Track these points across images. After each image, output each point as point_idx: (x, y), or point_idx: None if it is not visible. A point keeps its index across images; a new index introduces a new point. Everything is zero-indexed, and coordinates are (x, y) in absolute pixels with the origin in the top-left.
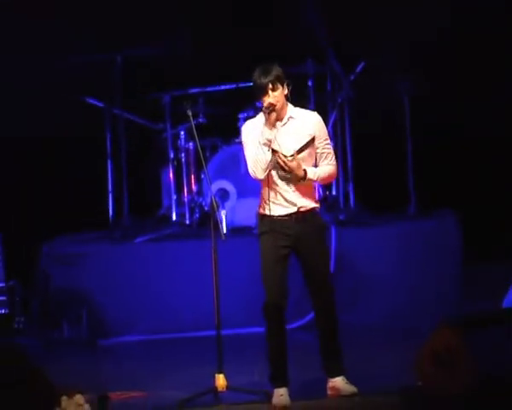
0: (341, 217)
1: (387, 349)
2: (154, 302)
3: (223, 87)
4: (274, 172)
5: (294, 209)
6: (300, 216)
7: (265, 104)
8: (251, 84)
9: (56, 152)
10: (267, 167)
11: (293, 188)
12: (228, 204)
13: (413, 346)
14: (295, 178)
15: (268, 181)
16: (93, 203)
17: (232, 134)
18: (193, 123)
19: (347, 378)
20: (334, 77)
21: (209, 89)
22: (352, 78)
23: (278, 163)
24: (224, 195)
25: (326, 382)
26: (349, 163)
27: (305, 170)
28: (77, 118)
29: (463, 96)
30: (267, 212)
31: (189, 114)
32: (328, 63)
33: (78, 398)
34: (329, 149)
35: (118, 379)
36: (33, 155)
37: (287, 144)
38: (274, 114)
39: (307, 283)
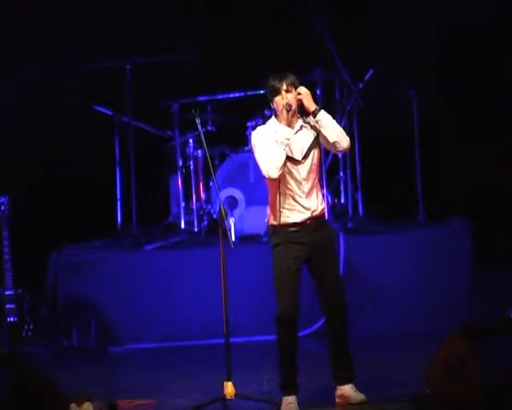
0: (350, 225)
1: (397, 357)
2: (163, 310)
3: (231, 95)
4: (287, 177)
5: (309, 214)
6: (314, 222)
7: (284, 102)
8: (260, 92)
9: (65, 159)
10: (282, 166)
11: (306, 192)
12: (236, 212)
13: (423, 353)
14: (311, 105)
15: (280, 188)
16: (102, 211)
17: (241, 142)
18: (201, 131)
19: (356, 386)
20: (343, 85)
21: (218, 97)
22: (361, 86)
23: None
24: (232, 203)
25: (334, 390)
26: (358, 171)
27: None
28: (86, 125)
29: (473, 104)
30: (283, 220)
31: (198, 121)
32: (337, 71)
33: (87, 406)
34: None
35: (127, 387)
36: (42, 163)
37: (298, 148)
38: (292, 113)
39: (319, 291)
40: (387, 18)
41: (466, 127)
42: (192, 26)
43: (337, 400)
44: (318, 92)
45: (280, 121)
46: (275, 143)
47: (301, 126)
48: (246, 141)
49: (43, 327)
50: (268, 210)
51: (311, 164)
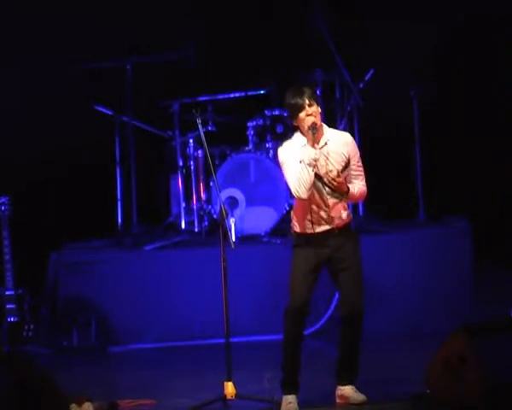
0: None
1: (397, 357)
2: (164, 310)
3: (232, 95)
4: (314, 191)
5: (333, 226)
6: (337, 232)
7: (310, 123)
8: (260, 92)
9: (65, 159)
10: (311, 187)
11: (330, 206)
12: (237, 212)
13: (423, 353)
14: (340, 194)
15: (304, 201)
16: (102, 211)
17: (241, 142)
18: (202, 131)
19: (357, 387)
20: (343, 85)
21: (218, 97)
22: (361, 86)
23: (326, 181)
24: (232, 203)
25: (335, 390)
26: None
27: (347, 186)
28: (86, 125)
29: (473, 103)
30: (306, 230)
31: (198, 121)
32: (337, 71)
33: (88, 406)
34: (361, 170)
35: (127, 387)
36: (42, 163)
37: (326, 166)
38: (319, 131)
39: (339, 291)
40: (387, 18)
41: (466, 127)
42: (192, 26)
43: (337, 400)
44: (319, 92)
45: (307, 140)
46: (303, 164)
47: (326, 143)
48: (246, 141)
49: (43, 327)
50: (292, 215)
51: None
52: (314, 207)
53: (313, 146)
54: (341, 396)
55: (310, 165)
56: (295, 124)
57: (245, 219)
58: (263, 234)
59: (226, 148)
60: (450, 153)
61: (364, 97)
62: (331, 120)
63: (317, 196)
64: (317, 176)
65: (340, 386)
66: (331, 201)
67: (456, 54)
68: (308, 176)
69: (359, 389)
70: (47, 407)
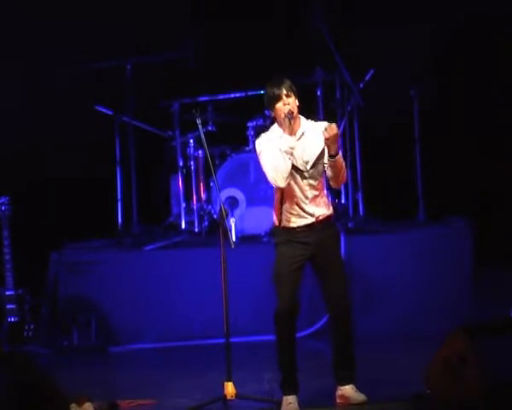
0: (350, 225)
1: (397, 357)
2: (164, 310)
3: (232, 95)
4: (292, 183)
5: (313, 220)
6: (318, 225)
7: (286, 111)
8: (260, 92)
9: (65, 159)
10: (288, 175)
11: (310, 198)
12: (237, 212)
13: (423, 353)
14: (335, 147)
15: (285, 193)
16: (102, 211)
17: (241, 142)
18: (202, 131)
19: (357, 387)
20: (344, 85)
21: (218, 97)
22: (362, 86)
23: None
24: (233, 203)
25: (335, 390)
26: (358, 171)
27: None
28: (86, 125)
29: (473, 103)
30: (285, 224)
31: (198, 121)
32: (338, 71)
33: (88, 406)
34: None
35: (127, 387)
36: (42, 163)
37: (303, 157)
38: (295, 121)
39: (324, 291)
40: (388, 18)
41: (466, 127)
42: (192, 26)
43: (338, 400)
44: (319, 92)
45: (283, 130)
46: (280, 153)
47: (303, 133)
48: (246, 141)
49: (43, 327)
50: (273, 210)
51: (316, 171)
52: (294, 199)
53: (290, 134)
54: (342, 396)
55: (286, 153)
56: (273, 115)
57: (245, 219)
58: (263, 234)
59: (226, 148)
60: (450, 153)
61: (364, 97)
62: (331, 120)
63: (295, 188)
64: (295, 168)
65: (340, 386)
66: (310, 193)
67: (456, 54)
68: (284, 164)
69: (359, 388)
70: (47, 407)
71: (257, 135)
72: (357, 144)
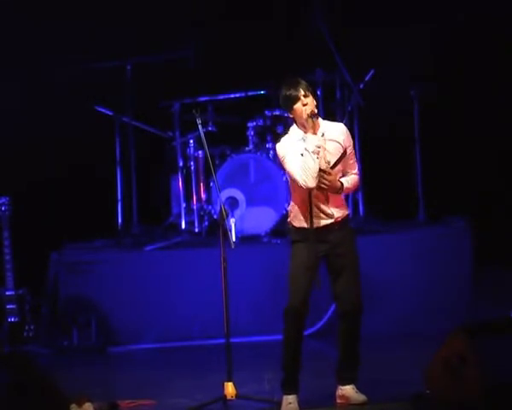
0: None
1: (397, 357)
2: (164, 310)
3: (232, 95)
4: None
5: (332, 221)
6: (336, 225)
7: (309, 111)
8: (260, 92)
9: (65, 159)
10: (317, 175)
11: (330, 199)
12: (237, 212)
13: (424, 352)
14: (333, 190)
15: (303, 193)
16: (102, 211)
17: (241, 142)
18: (202, 131)
19: (357, 387)
20: (344, 85)
21: (218, 97)
22: (362, 86)
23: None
24: (233, 203)
25: (335, 390)
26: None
27: (340, 181)
28: (86, 125)
29: (473, 103)
30: (304, 225)
31: (199, 122)
32: (338, 71)
33: (88, 406)
34: (354, 159)
35: (127, 387)
36: (42, 163)
37: (325, 157)
38: (316, 118)
39: (338, 288)
40: (388, 18)
41: (466, 127)
42: (192, 26)
43: (338, 400)
44: (319, 93)
45: (306, 130)
46: (306, 153)
47: (323, 133)
48: (246, 141)
49: (43, 327)
50: (290, 209)
51: (335, 172)
52: (314, 200)
53: (315, 133)
54: (342, 396)
55: (314, 152)
56: (291, 116)
57: (245, 219)
58: (263, 234)
59: (226, 148)
60: (450, 153)
61: (364, 97)
62: (331, 120)
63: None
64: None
65: (340, 386)
66: (330, 194)
67: (456, 54)
68: (313, 163)
69: (360, 389)
70: (47, 407)
71: (276, 139)
72: (357, 144)
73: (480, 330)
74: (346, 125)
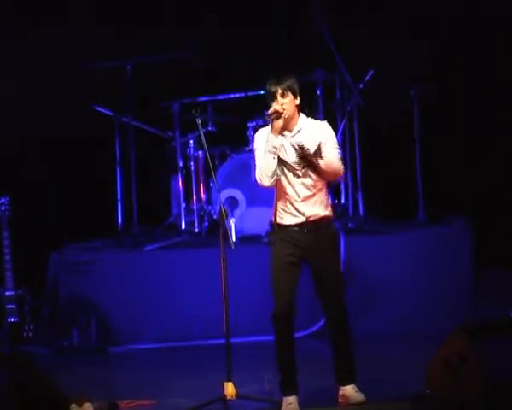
0: (350, 225)
1: (397, 357)
2: (164, 310)
3: (232, 96)
4: (284, 181)
5: (303, 219)
6: (310, 226)
7: (270, 110)
8: (260, 92)
9: (66, 159)
10: (273, 175)
11: (302, 197)
12: (237, 212)
13: (424, 353)
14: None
15: (279, 189)
16: (102, 211)
17: (241, 142)
18: (202, 131)
19: (357, 387)
20: (344, 85)
21: (218, 97)
22: (361, 86)
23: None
24: (233, 203)
25: (335, 390)
26: (358, 171)
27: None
28: (86, 125)
29: (473, 103)
30: (278, 220)
31: (198, 122)
32: (338, 71)
33: (88, 406)
34: (337, 151)
35: (127, 387)
36: (42, 163)
37: (292, 155)
38: (279, 122)
39: (319, 293)
40: (388, 18)
41: (466, 127)
42: (192, 26)
43: (340, 400)
44: (319, 92)
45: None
46: (266, 153)
47: (298, 131)
48: (246, 141)
49: (43, 327)
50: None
51: (309, 169)
52: (287, 197)
53: (275, 134)
54: (342, 396)
55: (269, 152)
56: None
57: (245, 220)
58: (263, 234)
59: (226, 148)
60: (450, 153)
61: (364, 97)
62: (331, 120)
63: (288, 185)
64: (288, 165)
65: (341, 386)
66: (303, 192)
67: (456, 54)
68: (266, 163)
69: (359, 389)
70: (47, 407)
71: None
72: (357, 144)
73: (480, 330)
74: (345, 125)
